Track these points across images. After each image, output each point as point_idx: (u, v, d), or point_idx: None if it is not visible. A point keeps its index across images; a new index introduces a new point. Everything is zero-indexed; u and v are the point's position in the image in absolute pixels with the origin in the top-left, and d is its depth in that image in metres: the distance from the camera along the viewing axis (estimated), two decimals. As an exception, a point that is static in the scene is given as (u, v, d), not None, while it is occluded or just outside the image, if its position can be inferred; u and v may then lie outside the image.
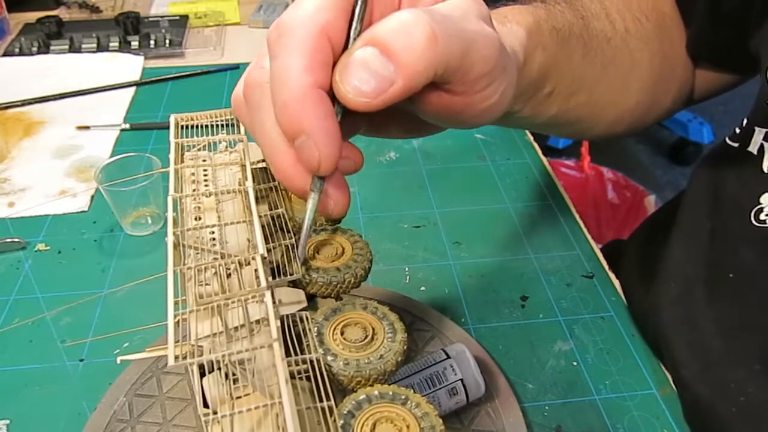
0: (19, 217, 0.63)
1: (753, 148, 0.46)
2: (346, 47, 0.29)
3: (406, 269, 0.57)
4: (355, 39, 0.29)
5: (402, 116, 0.36)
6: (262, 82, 0.30)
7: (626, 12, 0.52)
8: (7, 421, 0.45)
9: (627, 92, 0.52)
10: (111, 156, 0.71)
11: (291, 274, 0.34)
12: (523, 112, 0.44)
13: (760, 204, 0.44)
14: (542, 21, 0.43)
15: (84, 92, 0.85)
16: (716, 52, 0.54)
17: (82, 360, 0.49)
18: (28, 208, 0.64)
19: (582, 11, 0.48)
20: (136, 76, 0.89)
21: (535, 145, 0.75)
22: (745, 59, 0.49)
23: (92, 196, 0.66)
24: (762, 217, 0.43)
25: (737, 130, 0.48)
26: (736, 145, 0.48)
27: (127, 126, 0.77)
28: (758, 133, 0.45)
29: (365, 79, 0.28)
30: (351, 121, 0.31)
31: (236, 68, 0.91)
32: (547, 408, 0.46)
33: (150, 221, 0.62)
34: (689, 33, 0.54)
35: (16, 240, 0.60)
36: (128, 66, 0.91)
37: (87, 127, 0.77)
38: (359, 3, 0.29)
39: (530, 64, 0.41)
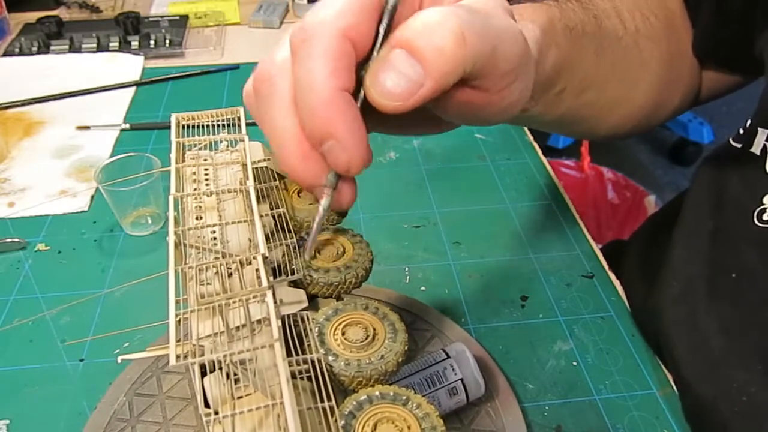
0: (19, 217, 0.63)
1: (756, 149, 0.46)
2: (373, 47, 0.29)
3: (406, 269, 0.57)
4: (383, 42, 0.29)
5: (418, 114, 0.35)
6: (272, 75, 0.30)
7: (636, 11, 0.52)
8: (7, 421, 0.45)
9: (636, 91, 0.53)
10: (111, 156, 0.71)
11: (294, 272, 0.34)
12: (535, 109, 0.44)
13: (763, 205, 0.44)
14: (556, 19, 0.43)
15: (84, 92, 0.85)
16: (721, 52, 0.54)
17: (82, 360, 0.49)
18: (28, 208, 0.64)
19: (594, 10, 0.48)
20: (136, 76, 0.89)
21: (535, 145, 0.75)
22: (750, 60, 0.49)
23: (92, 196, 0.66)
24: (765, 217, 0.43)
25: (741, 131, 0.48)
26: (739, 146, 0.48)
27: (127, 126, 0.77)
28: (761, 134, 0.45)
29: (395, 82, 0.28)
30: (367, 119, 0.31)
31: (236, 68, 0.91)
32: (547, 408, 0.46)
33: (150, 221, 0.62)
34: (695, 32, 0.54)
35: (16, 240, 0.60)
36: (128, 66, 0.91)
37: (87, 127, 0.77)
38: (389, 7, 0.29)
39: (544, 63, 0.41)
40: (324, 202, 0.31)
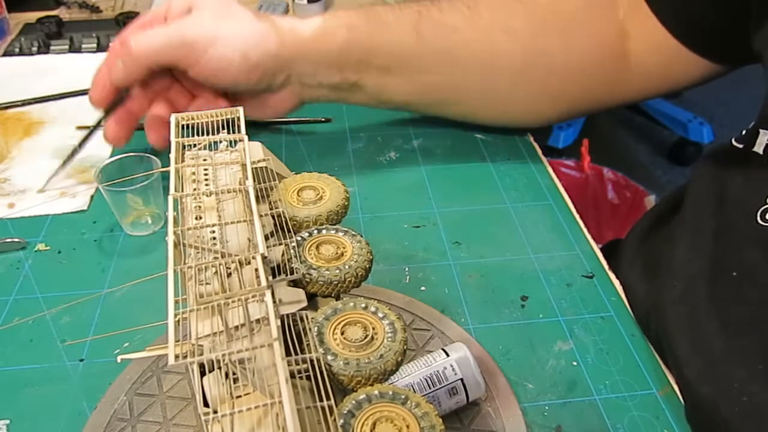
0: (19, 217, 0.63)
1: (759, 149, 0.46)
2: None
3: (406, 269, 0.57)
4: None
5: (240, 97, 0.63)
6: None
7: (498, 9, 0.63)
8: (7, 421, 0.45)
9: (493, 80, 0.65)
10: (111, 156, 0.71)
11: (293, 272, 0.34)
12: (367, 84, 0.62)
13: (767, 204, 0.44)
14: (351, 12, 0.60)
15: (84, 92, 0.84)
16: (715, 43, 0.56)
17: (82, 360, 0.49)
18: (28, 208, 0.64)
19: (420, 7, 0.62)
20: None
21: (535, 145, 0.75)
22: (745, 51, 0.49)
23: (92, 196, 0.66)
24: None
25: (743, 132, 0.48)
26: (741, 146, 0.48)
27: (128, 126, 0.77)
28: (763, 135, 0.45)
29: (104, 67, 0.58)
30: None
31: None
32: (547, 408, 0.46)
33: (150, 221, 0.62)
34: (685, 22, 0.57)
35: (16, 240, 0.60)
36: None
37: (87, 127, 0.77)
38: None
39: (330, 37, 0.59)
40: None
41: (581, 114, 0.71)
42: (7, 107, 0.81)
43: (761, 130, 0.46)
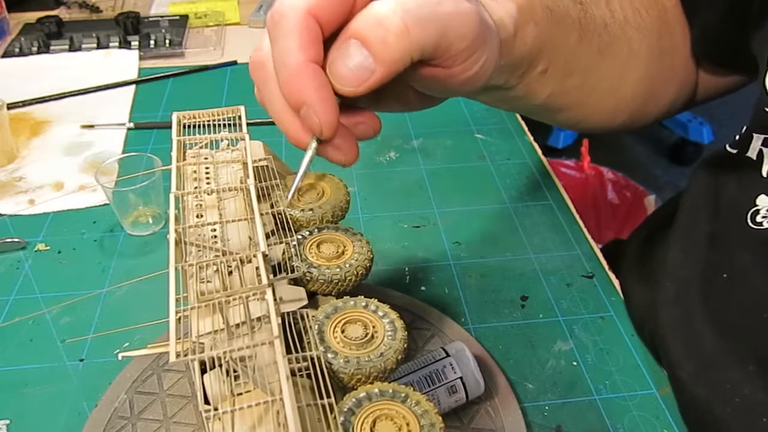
0: (19, 215, 0.63)
1: (752, 154, 0.46)
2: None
3: (406, 269, 0.57)
4: None
5: (398, 90, 0.40)
6: (263, 62, 0.35)
7: (627, 3, 0.53)
8: (7, 421, 0.45)
9: (623, 81, 0.54)
10: (123, 152, 0.72)
11: (294, 270, 0.34)
12: (518, 89, 0.47)
13: (756, 206, 0.44)
14: None
15: (85, 91, 0.85)
16: (720, 52, 0.54)
17: (82, 360, 0.49)
18: (47, 201, 0.65)
19: None
20: (133, 71, 0.89)
21: (535, 145, 0.75)
22: (749, 59, 0.49)
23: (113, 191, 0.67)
24: (758, 219, 0.44)
25: (737, 138, 0.49)
26: (734, 151, 0.48)
27: (132, 125, 0.78)
28: (756, 139, 0.46)
29: (350, 68, 0.32)
30: (360, 99, 0.34)
31: (234, 64, 0.92)
32: (547, 408, 0.46)
33: (151, 221, 0.62)
34: (693, 32, 0.54)
35: (16, 240, 0.60)
36: (124, 61, 0.92)
37: (91, 126, 0.77)
38: None
39: (522, 37, 0.43)
40: (309, 151, 0.35)
41: (665, 117, 0.62)
42: (9, 108, 0.81)
43: (754, 135, 0.46)
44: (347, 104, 0.36)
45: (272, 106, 0.35)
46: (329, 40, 0.33)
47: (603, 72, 0.52)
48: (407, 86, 0.38)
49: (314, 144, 0.34)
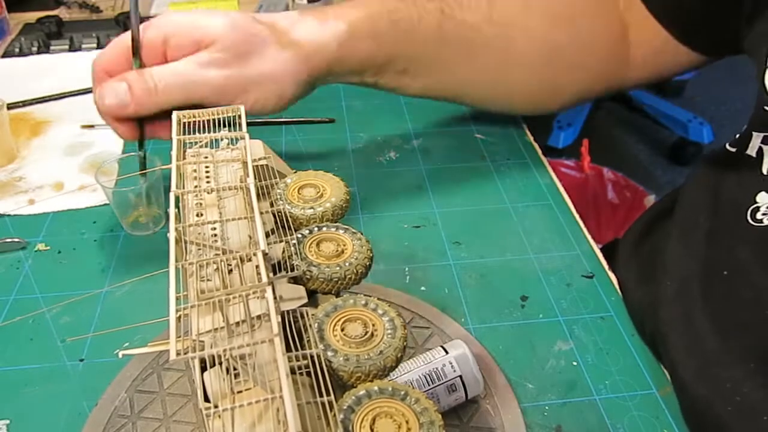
0: (19, 215, 0.63)
1: (752, 152, 0.46)
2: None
3: (406, 269, 0.57)
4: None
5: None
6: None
7: (517, 4, 0.63)
8: (7, 421, 0.45)
9: (506, 76, 0.65)
10: (123, 152, 0.72)
11: (294, 269, 0.34)
12: (382, 84, 0.61)
13: (756, 203, 0.44)
14: (377, 15, 0.57)
15: (85, 91, 0.85)
16: (705, 38, 0.58)
17: (82, 360, 0.49)
18: (47, 201, 0.65)
19: (443, 4, 0.60)
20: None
21: (535, 145, 0.75)
22: (734, 47, 0.50)
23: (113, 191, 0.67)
24: (758, 216, 0.44)
25: (737, 136, 0.49)
26: (734, 150, 0.49)
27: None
28: (756, 138, 0.46)
29: (111, 98, 0.51)
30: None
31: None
32: (547, 408, 0.46)
33: (151, 221, 0.62)
34: (680, 16, 0.58)
35: (16, 240, 0.60)
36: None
37: (91, 126, 0.78)
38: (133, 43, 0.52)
39: (352, 51, 0.56)
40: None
41: (581, 103, 0.72)
42: (9, 108, 0.81)
43: (754, 133, 0.46)
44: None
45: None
46: None
47: (478, 68, 0.63)
48: None
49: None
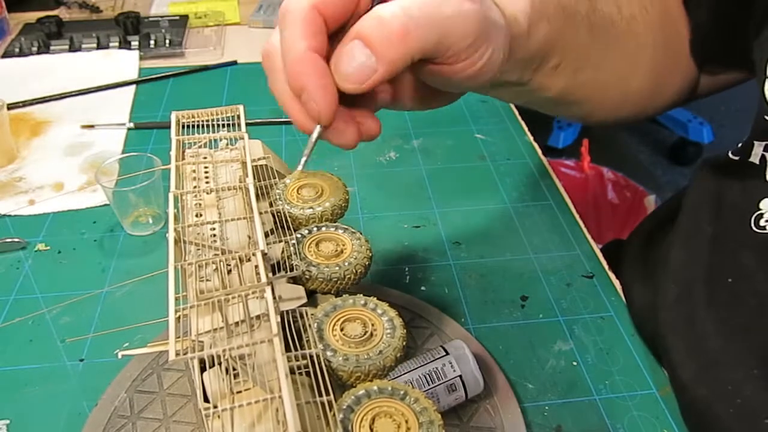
0: (19, 215, 0.63)
1: (755, 159, 0.46)
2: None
3: (406, 269, 0.57)
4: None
5: (412, 87, 0.41)
6: (271, 53, 0.37)
7: (632, 0, 0.55)
8: (7, 421, 0.45)
9: (632, 74, 0.56)
10: (123, 152, 0.72)
11: (293, 269, 0.34)
12: (532, 84, 0.48)
13: (760, 210, 0.44)
14: None
15: (85, 92, 0.85)
16: (718, 53, 0.55)
17: (82, 360, 0.49)
18: (47, 201, 0.65)
19: None
20: (133, 72, 0.89)
21: (535, 145, 0.75)
22: (746, 58, 0.49)
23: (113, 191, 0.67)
24: (762, 223, 0.44)
25: (739, 146, 0.49)
26: (737, 158, 0.49)
27: (132, 125, 0.78)
28: (758, 146, 0.46)
29: (353, 67, 0.34)
30: (368, 95, 0.37)
31: (234, 64, 0.92)
32: (547, 408, 0.46)
33: (151, 221, 0.62)
34: (692, 31, 0.56)
35: (16, 240, 0.60)
36: (125, 61, 0.92)
37: (92, 126, 0.78)
38: None
39: (535, 33, 0.45)
40: (314, 134, 0.36)
41: (669, 109, 0.63)
42: (9, 108, 0.81)
43: (755, 142, 0.46)
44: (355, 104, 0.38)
45: (279, 94, 0.37)
46: (336, 36, 0.36)
47: (612, 66, 0.54)
48: (422, 84, 0.40)
49: (318, 128, 0.35)
